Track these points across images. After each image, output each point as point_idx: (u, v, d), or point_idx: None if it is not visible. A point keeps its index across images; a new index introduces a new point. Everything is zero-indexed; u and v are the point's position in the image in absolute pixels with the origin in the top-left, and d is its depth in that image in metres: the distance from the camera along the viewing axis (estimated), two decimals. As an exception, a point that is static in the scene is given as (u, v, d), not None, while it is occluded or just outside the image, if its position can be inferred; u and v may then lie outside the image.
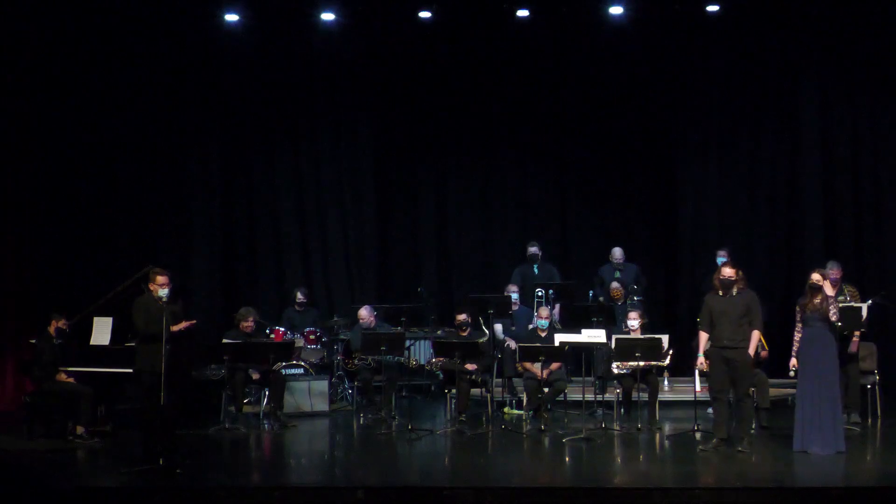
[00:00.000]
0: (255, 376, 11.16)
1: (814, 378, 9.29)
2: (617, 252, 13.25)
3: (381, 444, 10.29)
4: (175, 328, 8.95)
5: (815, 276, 9.42)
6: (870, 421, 10.83)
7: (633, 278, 13.10)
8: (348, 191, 14.48)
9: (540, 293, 12.82)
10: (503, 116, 14.63)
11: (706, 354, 9.66)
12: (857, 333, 10.64)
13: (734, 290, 9.40)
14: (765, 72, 13.98)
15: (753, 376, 9.63)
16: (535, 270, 13.24)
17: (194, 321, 9.09)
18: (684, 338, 12.21)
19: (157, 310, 8.94)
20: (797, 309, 9.52)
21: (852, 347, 10.62)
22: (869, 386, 10.96)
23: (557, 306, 12.80)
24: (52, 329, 10.49)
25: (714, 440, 9.45)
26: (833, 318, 9.26)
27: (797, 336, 9.46)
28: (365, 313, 12.05)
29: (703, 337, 9.63)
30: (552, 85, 14.46)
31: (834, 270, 10.81)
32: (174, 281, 9.26)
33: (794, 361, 9.48)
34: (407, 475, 9.10)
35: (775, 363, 12.03)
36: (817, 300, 9.32)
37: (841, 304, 9.81)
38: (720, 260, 12.73)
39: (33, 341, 10.80)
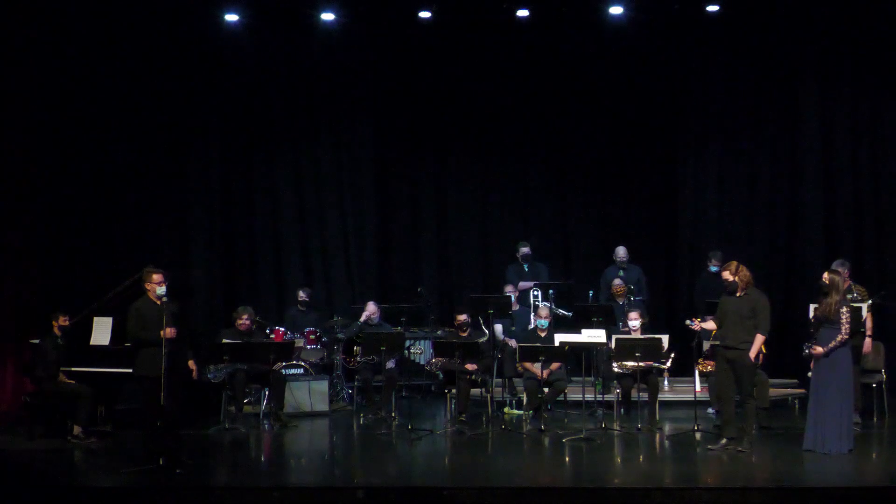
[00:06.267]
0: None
1: (825, 378, 9.24)
2: (620, 251, 13.26)
3: (381, 444, 10.29)
4: (165, 334, 8.80)
5: (825, 277, 9.40)
6: (875, 420, 10.82)
7: (634, 279, 13.10)
8: (348, 191, 14.48)
9: (537, 293, 12.82)
10: (503, 116, 14.63)
11: (712, 354, 9.65)
12: (868, 334, 10.62)
13: (740, 292, 9.38)
14: (765, 71, 13.99)
15: (755, 377, 9.60)
16: (526, 269, 13.25)
17: (175, 329, 8.99)
18: (684, 338, 12.20)
19: (153, 312, 8.91)
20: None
21: (865, 348, 10.60)
22: (874, 385, 10.95)
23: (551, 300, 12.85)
24: (55, 328, 10.49)
25: (723, 440, 9.42)
26: (843, 320, 9.18)
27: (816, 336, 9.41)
28: (373, 307, 12.16)
29: (712, 324, 9.70)
30: (552, 85, 14.47)
31: (841, 270, 10.77)
32: (170, 280, 9.24)
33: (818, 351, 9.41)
34: (407, 475, 9.10)
35: (775, 363, 12.09)
36: (826, 301, 9.27)
37: None
38: (713, 268, 12.81)
39: (34, 342, 10.80)
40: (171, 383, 8.73)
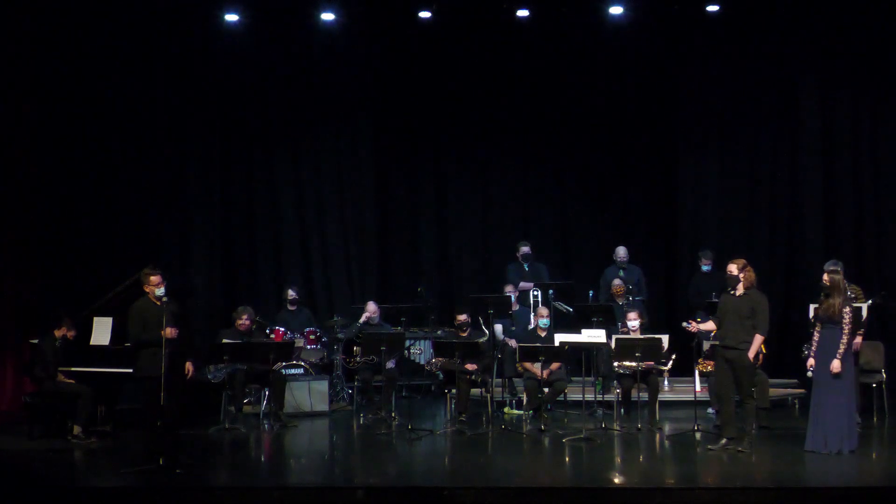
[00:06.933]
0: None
1: (826, 378, 9.24)
2: (621, 251, 13.25)
3: (381, 444, 10.29)
4: (165, 334, 8.78)
5: (826, 278, 9.40)
6: (875, 420, 10.82)
7: (635, 279, 13.10)
8: (348, 191, 14.48)
9: (537, 293, 12.82)
10: (503, 116, 14.62)
11: (712, 354, 9.65)
12: (860, 332, 10.62)
13: (740, 289, 9.37)
14: (765, 72, 13.98)
15: (755, 377, 9.61)
16: (526, 268, 13.25)
17: (177, 329, 8.98)
18: (684, 338, 12.21)
19: (154, 313, 8.91)
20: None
21: (855, 346, 10.59)
22: (874, 385, 10.94)
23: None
24: (58, 333, 10.47)
25: (723, 440, 9.42)
26: (846, 320, 9.17)
27: (815, 336, 9.38)
28: (373, 307, 12.17)
29: (711, 324, 9.74)
30: (552, 85, 14.46)
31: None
32: (170, 280, 9.23)
33: (811, 362, 9.37)
34: (407, 475, 9.10)
35: (775, 363, 12.08)
36: (829, 301, 9.27)
37: None
38: (705, 268, 12.81)
39: (34, 342, 10.80)
40: (171, 383, 8.73)
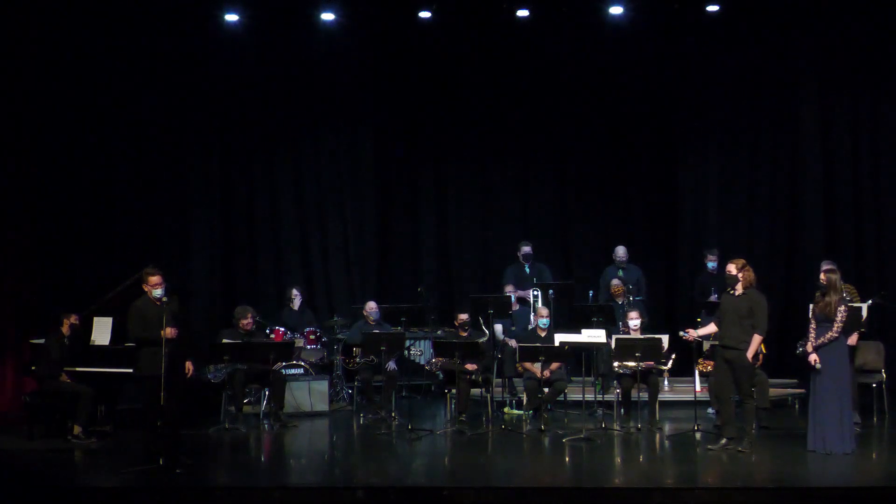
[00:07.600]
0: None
1: (825, 378, 9.25)
2: (620, 251, 13.24)
3: (381, 444, 10.29)
4: (165, 333, 8.77)
5: (823, 277, 9.43)
6: (875, 420, 10.82)
7: (634, 279, 13.09)
8: (348, 191, 14.48)
9: (537, 293, 12.82)
10: (503, 117, 14.62)
11: (712, 354, 9.65)
12: (858, 332, 10.61)
13: (739, 289, 9.38)
14: (765, 72, 13.99)
15: (754, 377, 9.61)
16: (527, 270, 13.25)
17: (177, 329, 8.98)
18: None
19: (153, 313, 8.91)
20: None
21: (851, 341, 10.59)
22: (874, 385, 10.94)
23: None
24: (65, 328, 10.49)
25: (723, 440, 9.43)
26: (838, 318, 9.19)
27: (811, 334, 9.37)
28: (373, 304, 12.21)
29: (710, 327, 9.75)
30: (552, 85, 14.46)
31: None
32: (170, 280, 9.24)
33: (814, 356, 9.31)
34: (407, 475, 9.10)
35: (775, 363, 12.09)
36: (826, 300, 9.28)
37: None
38: (710, 265, 12.81)
39: (35, 341, 10.81)
40: (171, 383, 8.73)
